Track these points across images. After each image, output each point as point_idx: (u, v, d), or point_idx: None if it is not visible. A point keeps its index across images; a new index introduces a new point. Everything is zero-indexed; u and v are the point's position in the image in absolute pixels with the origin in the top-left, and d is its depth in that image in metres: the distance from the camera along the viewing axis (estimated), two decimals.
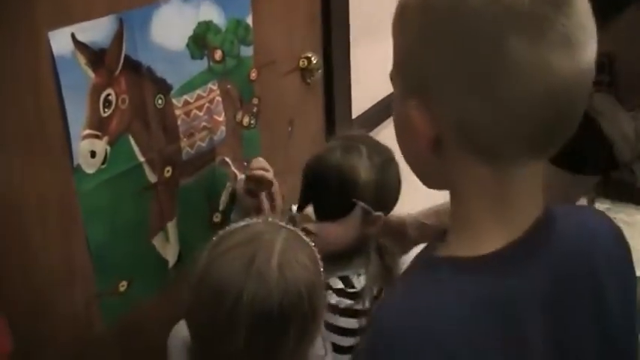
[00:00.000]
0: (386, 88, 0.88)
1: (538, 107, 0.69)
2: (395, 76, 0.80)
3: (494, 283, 0.73)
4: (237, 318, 1.06)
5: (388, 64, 0.80)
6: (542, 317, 0.75)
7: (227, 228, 1.20)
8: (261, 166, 1.51)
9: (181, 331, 1.23)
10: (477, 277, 0.73)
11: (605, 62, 1.21)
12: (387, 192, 1.44)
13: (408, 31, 0.75)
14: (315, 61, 1.83)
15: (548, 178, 1.27)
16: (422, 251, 0.81)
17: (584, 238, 0.81)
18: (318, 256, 1.17)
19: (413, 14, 0.74)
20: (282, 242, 1.13)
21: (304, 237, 1.19)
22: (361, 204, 1.39)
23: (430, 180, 0.83)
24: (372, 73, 1.88)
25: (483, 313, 0.71)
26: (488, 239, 0.75)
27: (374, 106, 2.23)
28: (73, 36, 1.17)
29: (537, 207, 0.78)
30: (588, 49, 0.70)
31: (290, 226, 1.20)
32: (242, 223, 1.20)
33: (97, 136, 1.25)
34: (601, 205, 2.10)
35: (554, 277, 0.76)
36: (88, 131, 1.23)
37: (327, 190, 1.42)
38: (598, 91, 1.24)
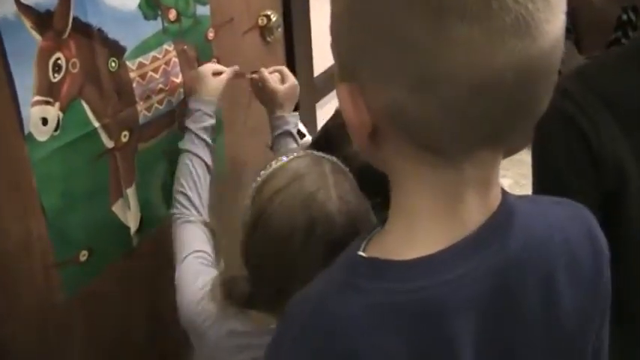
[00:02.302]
0: None
1: (481, 97, 0.60)
2: (332, 49, 0.71)
3: (423, 290, 0.66)
4: (310, 252, 1.04)
5: None
6: (478, 321, 0.68)
7: (262, 172, 1.14)
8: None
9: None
10: (404, 284, 0.66)
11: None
12: None
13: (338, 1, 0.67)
14: (274, 19, 1.80)
15: None
16: (354, 242, 0.72)
17: (542, 241, 0.72)
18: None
19: None
20: (331, 173, 1.10)
21: (342, 165, 1.15)
22: None
23: (377, 165, 0.74)
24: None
25: (404, 320, 0.65)
26: (426, 239, 0.67)
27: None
28: None
29: (490, 204, 0.69)
30: (550, 27, 0.61)
31: (328, 156, 1.16)
32: (275, 162, 1.14)
33: (47, 102, 1.21)
34: None
35: (500, 284, 0.69)
36: (37, 97, 1.19)
37: None
38: None
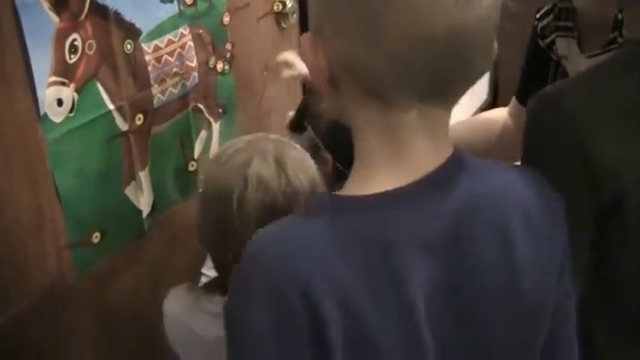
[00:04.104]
0: None
1: (420, 52, 0.68)
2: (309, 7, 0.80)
3: (374, 222, 0.71)
4: (246, 213, 1.06)
5: None
6: (430, 263, 0.72)
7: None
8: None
9: (179, 296, 1.22)
10: (356, 216, 0.72)
11: (569, 8, 1.21)
12: None
13: None
14: (289, 5, 1.79)
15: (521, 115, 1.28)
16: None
17: (495, 193, 0.77)
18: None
19: None
20: (274, 144, 1.13)
21: (292, 143, 1.19)
22: None
23: (340, 115, 0.81)
24: None
25: (355, 250, 0.70)
26: (380, 180, 0.73)
27: None
28: None
29: (440, 153, 0.75)
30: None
31: (277, 136, 1.20)
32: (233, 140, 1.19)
33: (63, 83, 1.21)
34: None
35: (451, 226, 0.73)
36: (53, 78, 1.19)
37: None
38: (562, 37, 1.24)
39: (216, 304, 1.11)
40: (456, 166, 0.76)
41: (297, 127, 1.48)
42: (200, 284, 1.32)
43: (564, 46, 1.24)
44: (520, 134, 1.36)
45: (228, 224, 1.07)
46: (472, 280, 0.75)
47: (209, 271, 1.37)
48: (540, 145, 0.86)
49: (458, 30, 0.68)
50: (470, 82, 0.74)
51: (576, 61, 1.22)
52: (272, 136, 1.20)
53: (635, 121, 0.80)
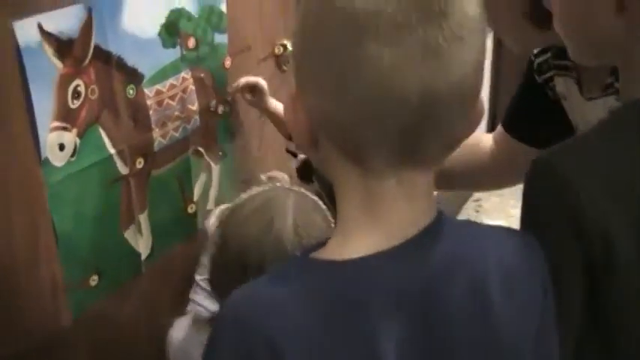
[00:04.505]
0: None
1: (392, 112, 0.66)
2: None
3: (347, 284, 0.71)
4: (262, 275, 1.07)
5: None
6: (403, 322, 0.72)
7: (240, 196, 1.18)
8: None
9: (183, 326, 1.25)
10: (329, 277, 0.71)
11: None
12: None
13: (296, 12, 0.75)
14: (291, 48, 1.80)
15: (517, 155, 1.27)
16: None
17: (475, 255, 0.76)
18: (329, 215, 1.17)
19: None
20: (294, 205, 1.12)
21: (314, 197, 1.18)
22: None
23: (323, 171, 0.80)
24: None
25: (325, 308, 0.70)
26: (358, 245, 0.72)
27: None
28: (39, 26, 1.13)
29: (421, 218, 0.74)
30: (459, 60, 0.67)
31: (298, 188, 1.19)
32: (251, 191, 1.18)
33: (65, 129, 1.22)
34: None
35: (426, 287, 0.72)
36: (56, 123, 1.20)
37: None
38: (560, 76, 1.23)
39: None
40: (437, 230, 0.74)
41: (305, 176, 1.49)
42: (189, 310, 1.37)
43: (563, 85, 1.23)
44: (503, 162, 1.35)
45: (244, 281, 1.07)
46: (446, 342, 0.74)
47: (196, 296, 1.42)
48: (535, 211, 0.86)
49: (430, 94, 0.66)
50: (450, 145, 0.73)
51: (576, 103, 1.22)
52: (291, 187, 1.19)
53: (631, 192, 0.81)
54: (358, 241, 0.73)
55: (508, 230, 0.83)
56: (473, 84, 0.70)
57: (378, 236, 0.72)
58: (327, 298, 0.70)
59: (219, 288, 1.16)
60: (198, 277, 1.44)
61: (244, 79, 1.63)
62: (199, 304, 1.38)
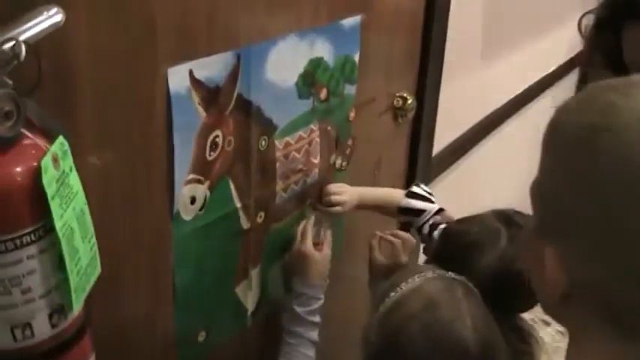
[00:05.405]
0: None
1: None
2: (533, 197, 0.70)
3: None
4: None
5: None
6: None
7: (392, 293, 1.08)
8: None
9: None
10: None
11: None
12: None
13: (556, 157, 0.65)
14: (410, 101, 1.72)
15: None
16: None
17: None
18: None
19: (564, 139, 0.64)
20: (465, 299, 1.05)
21: (472, 287, 1.10)
22: None
23: (553, 316, 0.74)
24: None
25: None
26: None
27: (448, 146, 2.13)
28: (190, 72, 1.06)
29: None
30: None
31: (457, 277, 1.11)
32: (406, 284, 1.09)
33: (199, 181, 1.14)
34: None
35: None
36: (191, 176, 1.12)
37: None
38: None
39: None
40: None
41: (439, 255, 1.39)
42: None
43: None
44: None
45: None
46: None
47: None
48: None
49: None
50: None
51: None
52: (455, 280, 1.10)
53: None
54: None
55: None
56: None
57: None
58: None
59: None
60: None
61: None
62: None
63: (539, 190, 0.68)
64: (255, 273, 1.37)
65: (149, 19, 0.97)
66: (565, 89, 3.19)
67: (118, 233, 1.04)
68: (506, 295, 1.18)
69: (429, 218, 1.45)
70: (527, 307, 1.22)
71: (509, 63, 2.47)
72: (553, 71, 3.03)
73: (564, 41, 2.99)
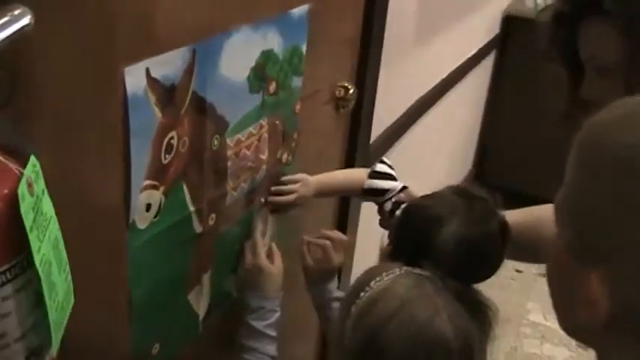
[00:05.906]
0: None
1: None
2: (563, 214, 0.66)
3: None
4: None
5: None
6: None
7: (361, 293, 1.04)
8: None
9: None
10: None
11: None
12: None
13: (599, 176, 0.62)
14: (351, 91, 1.68)
15: None
16: None
17: None
18: None
19: (609, 158, 0.60)
20: (436, 295, 1.02)
21: (438, 280, 1.06)
22: None
23: (581, 340, 0.71)
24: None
25: None
26: None
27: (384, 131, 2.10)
28: (147, 71, 0.98)
29: None
30: None
31: (423, 272, 1.07)
32: (375, 283, 1.04)
33: (154, 187, 1.06)
34: None
35: None
36: (147, 182, 1.04)
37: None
38: None
39: None
40: None
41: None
42: None
43: None
44: None
45: None
46: None
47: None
48: None
49: None
50: None
51: None
52: (422, 276, 1.06)
53: None
54: None
55: None
56: None
57: None
58: None
59: None
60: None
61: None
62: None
63: (575, 208, 0.64)
64: (206, 278, 1.29)
65: (107, 15, 0.88)
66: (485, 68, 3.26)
67: (71, 247, 0.94)
68: (467, 266, 1.16)
69: (392, 196, 1.43)
70: (485, 277, 1.21)
71: (443, 43, 2.48)
72: (475, 52, 3.06)
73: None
